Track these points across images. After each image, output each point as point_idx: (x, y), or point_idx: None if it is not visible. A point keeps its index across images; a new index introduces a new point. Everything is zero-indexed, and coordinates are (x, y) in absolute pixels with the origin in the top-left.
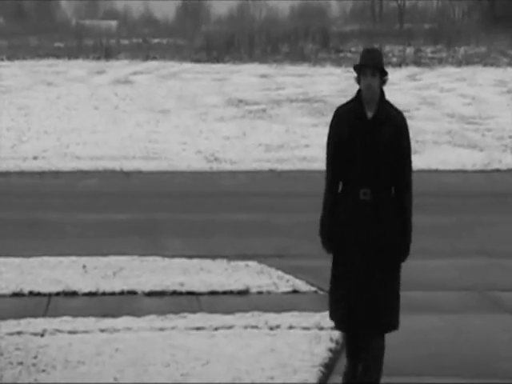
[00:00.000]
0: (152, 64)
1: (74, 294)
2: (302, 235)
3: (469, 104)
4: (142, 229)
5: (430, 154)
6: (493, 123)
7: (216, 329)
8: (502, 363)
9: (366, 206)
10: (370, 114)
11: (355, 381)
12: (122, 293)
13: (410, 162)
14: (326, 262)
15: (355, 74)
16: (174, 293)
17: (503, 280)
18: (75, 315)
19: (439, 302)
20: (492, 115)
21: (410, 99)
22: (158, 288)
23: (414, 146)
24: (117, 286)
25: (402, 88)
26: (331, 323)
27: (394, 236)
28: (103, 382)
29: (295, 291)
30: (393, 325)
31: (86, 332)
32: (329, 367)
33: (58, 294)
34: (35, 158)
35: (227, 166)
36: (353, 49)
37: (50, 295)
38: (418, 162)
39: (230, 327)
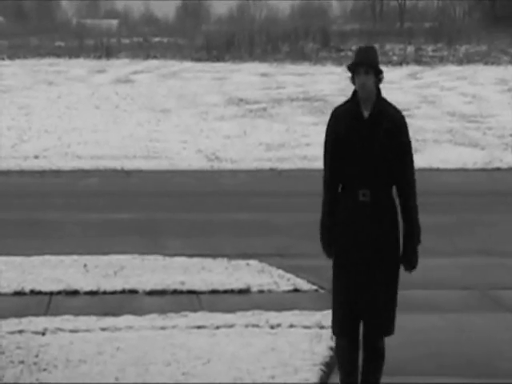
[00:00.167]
0: (152, 63)
1: (75, 292)
2: (303, 234)
3: (470, 102)
4: (142, 228)
5: (430, 152)
6: (494, 122)
7: (217, 328)
8: (503, 362)
9: (365, 208)
10: (366, 114)
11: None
12: (123, 292)
13: (411, 159)
14: (326, 261)
15: (350, 74)
16: (175, 292)
17: (504, 279)
18: (76, 314)
19: (440, 301)
20: (493, 114)
21: (411, 98)
22: (159, 287)
23: (414, 144)
24: (118, 284)
25: (402, 87)
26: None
27: (394, 237)
28: (104, 381)
29: (296, 290)
30: (390, 328)
31: (87, 331)
32: (330, 366)
33: (59, 292)
34: (36, 157)
35: (228, 165)
36: (353, 48)
37: (51, 294)
38: (419, 160)
39: (231, 326)
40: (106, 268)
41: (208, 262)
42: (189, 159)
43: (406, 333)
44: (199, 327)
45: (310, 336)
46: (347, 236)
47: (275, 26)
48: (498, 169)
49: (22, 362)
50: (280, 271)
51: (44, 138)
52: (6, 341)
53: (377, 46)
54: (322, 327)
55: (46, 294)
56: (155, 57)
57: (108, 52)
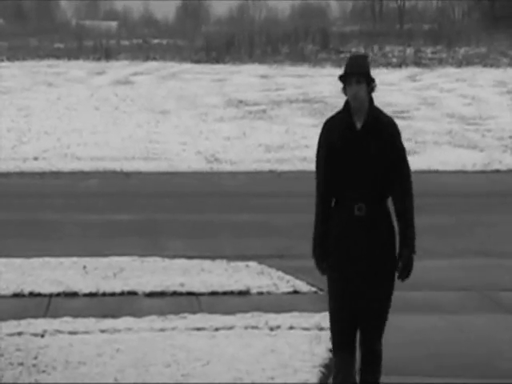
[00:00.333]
0: (152, 65)
1: (74, 294)
2: (303, 236)
3: (469, 104)
4: (142, 229)
5: (430, 154)
6: (493, 124)
7: (216, 329)
8: (502, 363)
9: (360, 222)
10: (359, 124)
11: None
12: (122, 293)
13: (407, 167)
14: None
15: (341, 85)
16: (175, 293)
17: (503, 280)
18: (76, 316)
19: (439, 301)
20: (492, 116)
21: (410, 100)
22: (159, 288)
23: (413, 146)
24: (117, 286)
25: (402, 88)
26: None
27: (390, 251)
28: (104, 382)
29: (295, 292)
30: (383, 329)
31: (86, 333)
32: (329, 367)
33: (58, 294)
34: (35, 158)
35: (227, 167)
36: (353, 49)
37: (50, 296)
38: (419, 162)
39: (231, 328)
40: (106, 270)
41: (207, 263)
42: (188, 160)
43: (405, 333)
44: (199, 329)
45: (309, 337)
46: (342, 251)
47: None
48: (497, 171)
49: (21, 364)
50: (279, 273)
51: (43, 140)
52: (5, 343)
53: (376, 47)
54: (321, 329)
55: (45, 295)
56: (155, 58)
57: (107, 53)
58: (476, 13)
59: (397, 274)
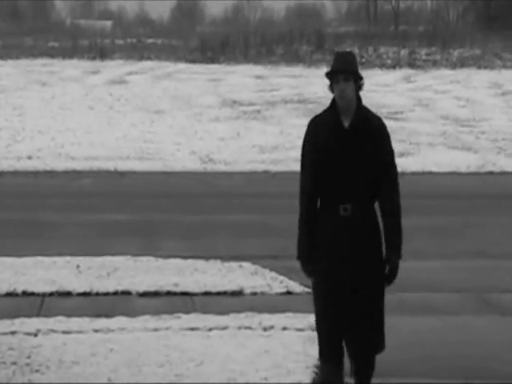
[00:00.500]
0: (147, 64)
1: (68, 294)
2: (297, 236)
3: (463, 106)
4: (136, 229)
5: (424, 155)
6: (487, 125)
7: (210, 329)
8: (498, 365)
9: (346, 223)
10: (346, 123)
11: None
12: (116, 293)
13: (394, 168)
14: None
15: (328, 82)
16: (169, 293)
17: (498, 281)
18: (69, 315)
19: (435, 303)
20: (486, 117)
21: (405, 101)
22: (153, 288)
23: (408, 147)
24: (111, 286)
25: (396, 90)
26: None
27: (377, 253)
28: (97, 382)
29: (289, 292)
30: (380, 346)
31: (80, 332)
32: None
33: (51, 294)
34: (29, 157)
35: (222, 167)
36: (347, 49)
37: (43, 295)
38: (413, 163)
39: (224, 328)
40: (99, 269)
41: (201, 263)
42: (183, 161)
43: (401, 335)
44: (192, 329)
45: (303, 338)
46: (328, 254)
47: (270, 27)
48: (491, 172)
49: (14, 363)
50: (273, 273)
51: (38, 139)
52: None
53: (371, 48)
54: (315, 330)
55: (38, 295)
56: (149, 58)
57: (102, 53)
58: (471, 14)
59: None
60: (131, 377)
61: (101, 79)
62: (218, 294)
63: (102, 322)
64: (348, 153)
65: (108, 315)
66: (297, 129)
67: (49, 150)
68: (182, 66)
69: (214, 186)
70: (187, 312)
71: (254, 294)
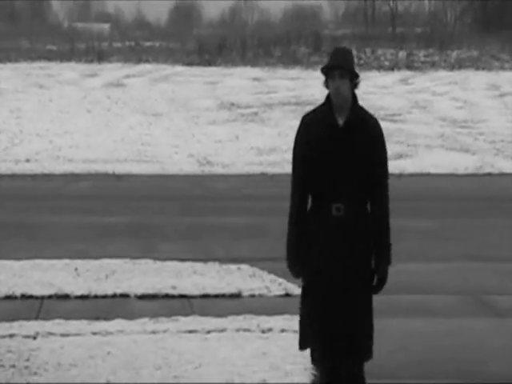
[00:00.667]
0: (144, 67)
1: (66, 296)
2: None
3: (461, 108)
4: (134, 232)
5: (422, 157)
6: (485, 127)
7: (208, 332)
8: (494, 367)
9: (338, 223)
10: (341, 121)
11: None
12: (114, 296)
13: (386, 170)
14: None
15: (323, 78)
16: (167, 296)
17: (495, 284)
18: (67, 318)
19: (431, 305)
20: (484, 119)
21: (403, 103)
22: (151, 291)
23: (406, 149)
24: (109, 288)
25: (394, 92)
26: None
27: (369, 256)
28: None
29: (287, 295)
30: (369, 353)
31: (78, 335)
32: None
33: (50, 296)
34: (27, 160)
35: (219, 170)
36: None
37: (42, 298)
38: (411, 165)
39: (223, 330)
40: (98, 272)
41: (199, 266)
42: (180, 163)
43: (397, 337)
44: (190, 331)
45: None
46: (318, 255)
47: (267, 30)
48: (489, 174)
49: (13, 366)
50: (271, 276)
51: (35, 142)
52: None
53: (368, 50)
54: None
55: (36, 297)
56: (147, 61)
57: (100, 56)
58: (468, 16)
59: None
60: (129, 379)
61: (98, 82)
62: (217, 296)
63: (100, 325)
64: (341, 151)
65: (106, 318)
66: (294, 131)
67: (47, 152)
68: (179, 68)
69: (211, 188)
70: (185, 314)
71: (253, 296)
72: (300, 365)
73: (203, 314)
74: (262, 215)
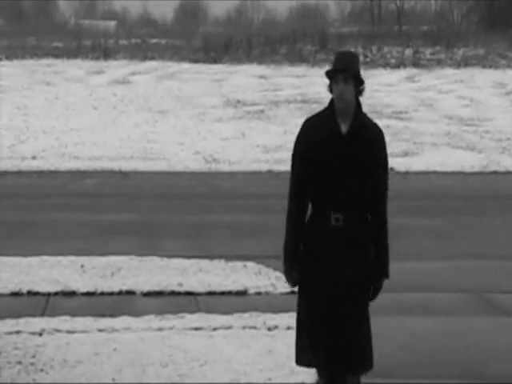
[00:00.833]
0: (150, 64)
1: (72, 293)
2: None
3: (467, 106)
4: (140, 229)
5: (428, 155)
6: (491, 125)
7: (214, 329)
8: (498, 365)
9: (337, 233)
10: (344, 128)
11: None
12: (120, 293)
13: (387, 179)
14: None
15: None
16: (172, 293)
17: (500, 282)
18: (73, 315)
19: (436, 304)
20: (490, 117)
21: (409, 101)
22: (156, 288)
23: (412, 147)
24: (115, 285)
25: (400, 89)
26: None
27: (369, 265)
28: (101, 381)
29: (293, 292)
30: (368, 364)
31: (84, 332)
32: None
33: (56, 293)
34: (34, 157)
35: (225, 167)
36: (352, 49)
37: (48, 295)
38: (417, 163)
39: (228, 328)
40: (104, 269)
41: (205, 263)
42: (186, 161)
43: (401, 336)
44: (196, 329)
45: None
46: (317, 264)
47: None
48: (495, 172)
49: (19, 363)
50: (277, 273)
51: (41, 139)
52: (3, 341)
53: (375, 48)
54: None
55: (43, 294)
56: (153, 58)
57: (106, 53)
58: (474, 15)
59: None
60: (135, 376)
61: (104, 79)
62: (222, 293)
63: (106, 322)
64: (342, 159)
65: (112, 315)
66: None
67: (53, 149)
68: (185, 66)
69: (217, 185)
70: (191, 312)
71: (258, 293)
72: None
73: (209, 311)
74: (268, 213)
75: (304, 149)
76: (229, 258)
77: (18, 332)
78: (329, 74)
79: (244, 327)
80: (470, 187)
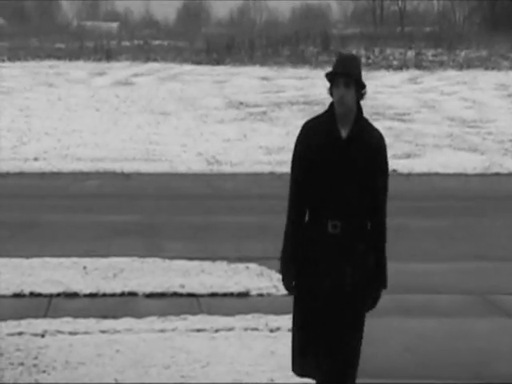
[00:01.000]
0: (153, 66)
1: (74, 295)
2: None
3: (469, 107)
4: (142, 230)
5: (430, 157)
6: (493, 127)
7: (216, 331)
8: (501, 366)
9: (335, 241)
10: (343, 133)
11: None
12: (122, 294)
13: (386, 186)
14: None
15: (328, 84)
16: (175, 294)
17: (502, 283)
18: (76, 316)
19: (439, 305)
20: (493, 119)
21: (411, 102)
22: (159, 289)
23: (414, 149)
24: (117, 287)
25: (402, 91)
26: None
27: (366, 278)
28: (103, 382)
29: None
30: (353, 377)
31: (86, 333)
32: None
33: (58, 294)
34: (36, 159)
35: (227, 169)
36: (353, 51)
37: (50, 296)
38: (419, 165)
39: (231, 329)
40: (106, 270)
41: (207, 264)
42: (189, 162)
43: (404, 337)
44: (198, 330)
45: None
46: (312, 273)
47: (275, 29)
48: (498, 174)
49: (21, 364)
50: (279, 275)
51: (44, 140)
52: (6, 343)
53: (377, 49)
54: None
55: (45, 296)
56: (155, 59)
57: (108, 54)
58: (477, 16)
59: None
60: (137, 378)
61: (107, 81)
62: (225, 295)
63: (108, 323)
64: (341, 165)
65: (114, 316)
66: None
67: (55, 151)
68: (187, 67)
69: (219, 187)
70: (193, 313)
71: (261, 295)
72: None
73: (211, 312)
74: (270, 214)
75: (304, 151)
76: (231, 259)
77: (20, 333)
78: (329, 77)
79: (246, 329)
80: (472, 189)
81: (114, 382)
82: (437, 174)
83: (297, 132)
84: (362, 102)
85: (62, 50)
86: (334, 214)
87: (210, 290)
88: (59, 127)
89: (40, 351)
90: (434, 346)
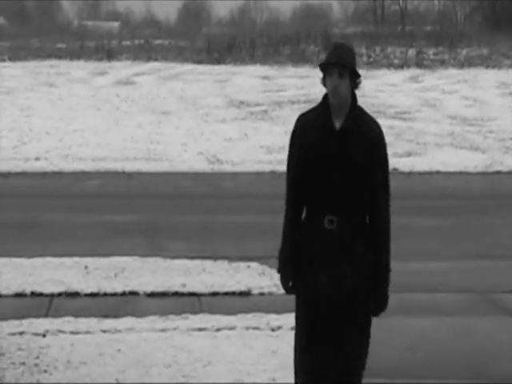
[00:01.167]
0: (154, 65)
1: (75, 294)
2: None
3: (471, 106)
4: (143, 230)
5: (431, 155)
6: (494, 125)
7: (218, 330)
8: (503, 365)
9: (332, 237)
10: (338, 124)
11: None
12: (123, 294)
13: (387, 178)
14: None
15: (321, 75)
16: (176, 294)
17: (504, 282)
18: (77, 316)
19: (440, 304)
20: (494, 117)
21: (412, 101)
22: (160, 289)
23: (415, 147)
24: (118, 286)
25: (403, 90)
26: None
27: (366, 277)
28: (105, 382)
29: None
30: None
31: (87, 332)
32: None
33: (59, 294)
34: (37, 158)
35: (229, 168)
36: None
37: (51, 296)
38: (420, 163)
39: (232, 328)
40: (107, 270)
41: (209, 264)
42: (190, 161)
43: (406, 336)
44: (200, 329)
45: None
46: (310, 271)
47: (276, 28)
48: (499, 172)
49: (22, 364)
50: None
51: (45, 140)
52: (7, 342)
53: (378, 48)
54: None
55: (46, 295)
56: (156, 59)
57: (109, 54)
58: (478, 15)
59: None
60: (138, 377)
61: (108, 80)
62: (226, 294)
63: (109, 323)
64: (336, 157)
65: (116, 316)
66: None
67: (56, 151)
68: (188, 66)
69: (221, 186)
70: (195, 312)
71: (262, 294)
72: None
73: (212, 311)
74: (272, 213)
75: (297, 148)
76: (232, 258)
77: (21, 333)
78: (322, 67)
79: (247, 328)
80: (474, 187)
81: (115, 381)
82: (438, 173)
83: None
84: (363, 100)
85: (62, 49)
86: (330, 210)
87: (211, 290)
88: (60, 127)
89: (41, 351)
90: (435, 345)
